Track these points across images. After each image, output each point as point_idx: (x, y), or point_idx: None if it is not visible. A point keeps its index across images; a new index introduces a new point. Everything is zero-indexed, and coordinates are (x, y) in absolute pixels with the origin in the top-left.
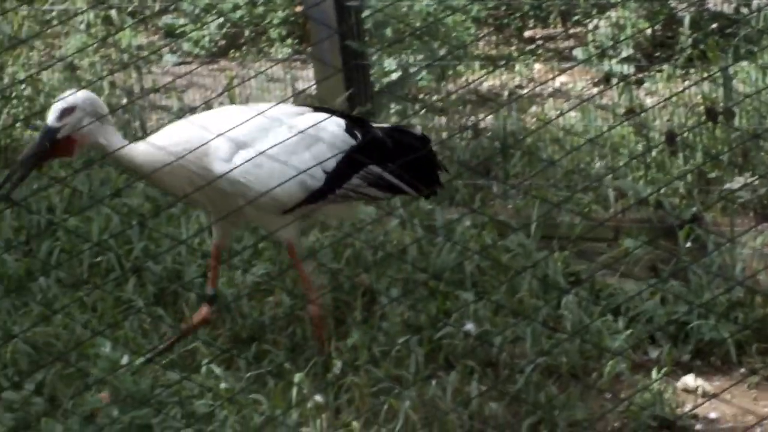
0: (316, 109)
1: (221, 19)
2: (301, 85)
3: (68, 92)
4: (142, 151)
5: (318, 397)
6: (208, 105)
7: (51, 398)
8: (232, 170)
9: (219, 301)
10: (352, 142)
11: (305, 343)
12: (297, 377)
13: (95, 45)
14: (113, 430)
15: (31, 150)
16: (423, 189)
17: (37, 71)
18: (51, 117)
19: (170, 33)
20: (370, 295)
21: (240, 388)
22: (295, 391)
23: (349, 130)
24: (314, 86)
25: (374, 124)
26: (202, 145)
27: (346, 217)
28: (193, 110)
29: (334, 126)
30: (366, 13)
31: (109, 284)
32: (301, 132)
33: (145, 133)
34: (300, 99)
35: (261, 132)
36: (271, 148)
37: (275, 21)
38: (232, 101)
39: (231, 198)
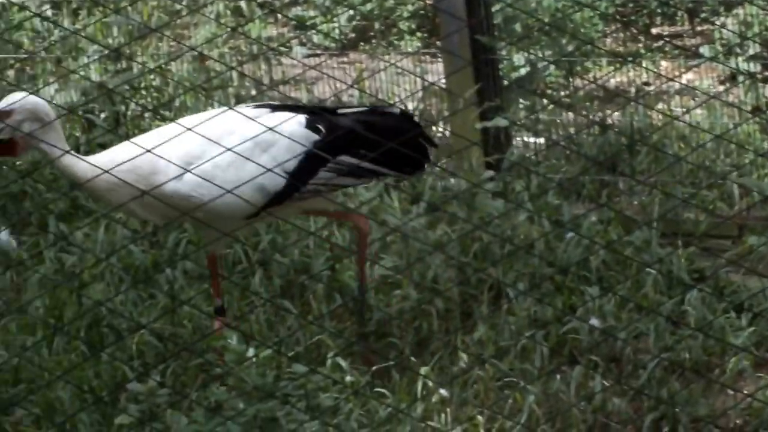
0: (275, 108)
1: (351, 12)
2: (430, 79)
3: (13, 95)
4: (84, 167)
5: (443, 391)
6: (337, 98)
7: (176, 390)
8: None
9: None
10: (315, 137)
11: (431, 336)
12: (422, 371)
13: (224, 36)
14: (238, 422)
15: None
16: (407, 168)
17: (166, 62)
18: None
19: (300, 25)
20: (497, 290)
21: (365, 381)
22: (420, 384)
23: (310, 125)
24: (444, 80)
25: (346, 110)
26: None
27: (326, 207)
28: (322, 102)
29: (292, 125)
30: (495, 7)
31: (235, 276)
32: (254, 137)
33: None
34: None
35: (212, 144)
36: (215, 156)
37: (405, 14)
38: (362, 94)
39: (189, 211)
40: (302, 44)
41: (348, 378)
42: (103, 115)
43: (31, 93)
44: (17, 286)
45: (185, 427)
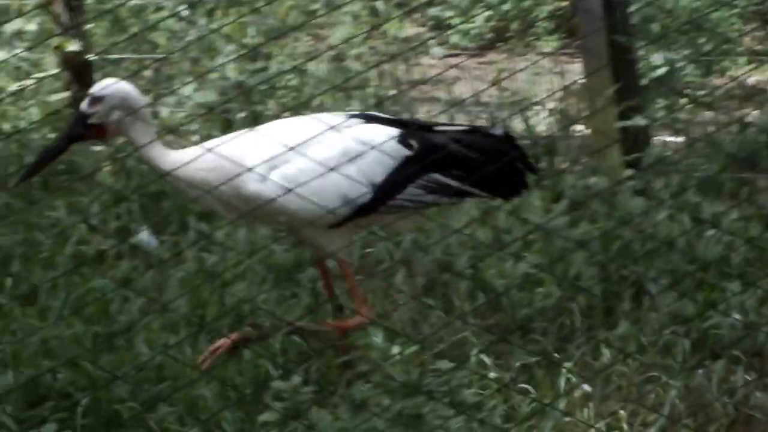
0: (369, 119)
1: (489, 12)
2: (568, 79)
3: (106, 81)
4: (168, 159)
5: (585, 386)
6: (476, 97)
7: (320, 387)
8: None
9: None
10: (406, 152)
11: (574, 332)
12: (565, 366)
13: (362, 35)
14: (383, 419)
15: (65, 132)
16: (502, 191)
17: (304, 61)
18: (84, 102)
19: (438, 25)
20: (638, 287)
21: (509, 377)
22: (563, 380)
23: (402, 140)
24: (582, 80)
25: (446, 128)
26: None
27: (411, 224)
28: (461, 102)
29: (383, 137)
30: (633, 7)
31: (379, 275)
32: (344, 146)
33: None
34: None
35: (300, 149)
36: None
37: (542, 14)
38: (501, 95)
39: (271, 215)
40: (441, 44)
41: (492, 374)
42: (241, 115)
43: (169, 90)
44: (159, 286)
45: (330, 425)
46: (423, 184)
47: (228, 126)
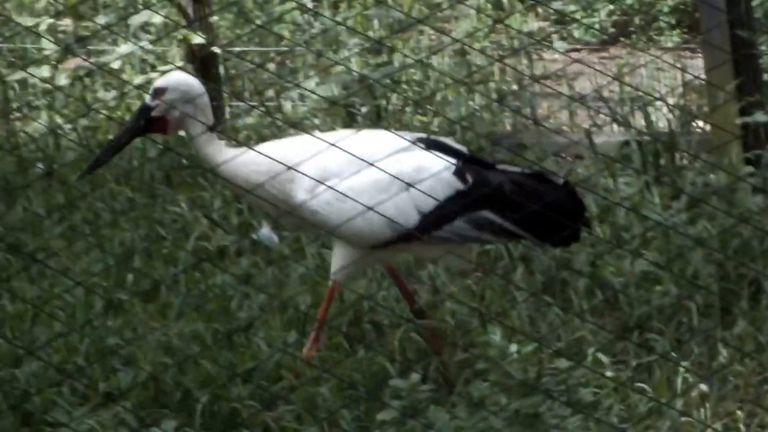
0: (430, 144)
1: (611, 6)
2: (690, 75)
3: (170, 74)
4: (225, 157)
5: (702, 386)
6: (598, 93)
7: (438, 386)
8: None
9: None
10: (460, 186)
11: (691, 331)
12: (683, 365)
13: (485, 30)
14: (500, 417)
15: (128, 125)
16: (553, 239)
17: (427, 55)
18: (148, 95)
19: (561, 19)
20: (757, 285)
21: (626, 376)
22: (680, 379)
23: (458, 172)
24: (703, 75)
25: (509, 168)
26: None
27: (453, 260)
28: (582, 98)
29: (439, 167)
30: (756, 2)
31: (497, 272)
32: (399, 170)
33: (535, 121)
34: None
35: (353, 165)
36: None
37: (665, 9)
38: (622, 90)
39: (316, 225)
40: (563, 39)
41: (608, 373)
42: (364, 109)
43: (292, 83)
44: (279, 282)
45: (447, 423)
46: (471, 219)
47: (350, 120)
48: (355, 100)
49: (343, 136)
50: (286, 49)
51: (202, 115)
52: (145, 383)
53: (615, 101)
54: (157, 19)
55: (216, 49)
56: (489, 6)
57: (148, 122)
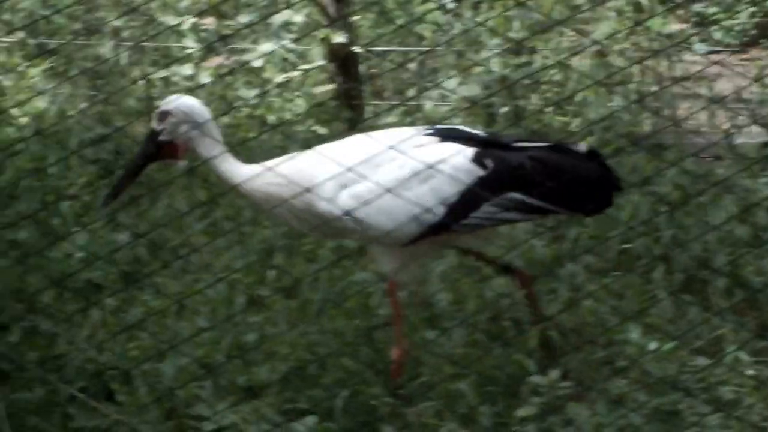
0: (445, 136)
1: (753, 9)
2: None
3: (172, 97)
4: (240, 172)
5: None
6: (737, 94)
7: (578, 383)
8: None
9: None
10: (480, 172)
11: None
12: None
13: (625, 31)
14: (640, 414)
15: (139, 152)
16: (584, 207)
17: (567, 57)
18: (154, 119)
19: (701, 21)
20: None
21: (767, 376)
22: None
23: (477, 159)
24: None
25: (526, 144)
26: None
27: (490, 243)
28: (722, 99)
29: (457, 157)
30: None
31: (637, 271)
32: (416, 165)
33: (675, 122)
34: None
35: (371, 167)
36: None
37: None
38: (763, 91)
39: (343, 232)
40: (703, 41)
41: (749, 371)
42: (504, 109)
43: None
44: (419, 280)
45: (587, 420)
46: (497, 203)
47: (490, 120)
48: (495, 101)
49: (357, 141)
50: (427, 49)
51: (210, 136)
52: (286, 379)
53: (755, 103)
54: (299, 19)
55: (357, 49)
56: (629, 8)
57: (159, 148)
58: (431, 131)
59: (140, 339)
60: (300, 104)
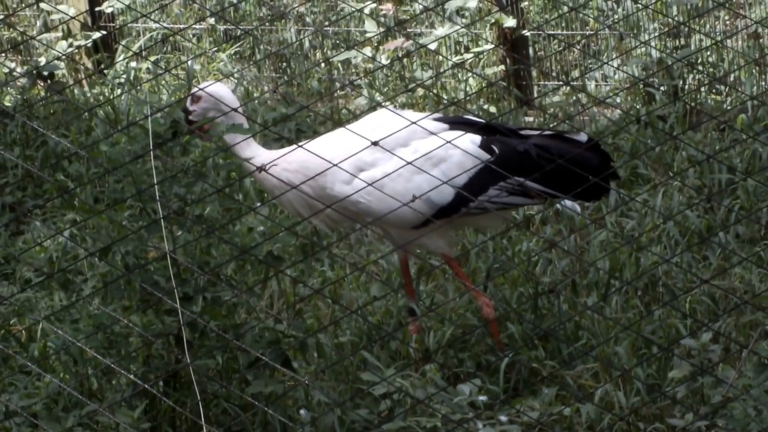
0: (455, 124)
1: None
2: None
3: (206, 83)
4: (262, 158)
5: None
6: None
7: (727, 346)
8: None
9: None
10: (487, 156)
11: None
12: None
13: None
14: None
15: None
16: (583, 194)
17: (722, 38)
18: (188, 99)
19: None
20: None
21: None
22: None
23: (484, 145)
24: None
25: (530, 132)
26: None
27: (494, 226)
28: None
29: (466, 143)
30: None
31: None
32: (428, 150)
33: None
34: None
35: (385, 153)
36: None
37: None
38: None
39: (356, 216)
40: None
41: None
42: (662, 89)
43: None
44: (580, 249)
45: (735, 382)
46: (504, 187)
47: (650, 99)
48: (654, 80)
49: (370, 124)
50: (591, 32)
51: (235, 121)
52: (450, 344)
53: None
54: (472, 4)
55: (526, 32)
56: None
57: (189, 124)
58: (439, 118)
59: (318, 308)
60: (472, 84)
